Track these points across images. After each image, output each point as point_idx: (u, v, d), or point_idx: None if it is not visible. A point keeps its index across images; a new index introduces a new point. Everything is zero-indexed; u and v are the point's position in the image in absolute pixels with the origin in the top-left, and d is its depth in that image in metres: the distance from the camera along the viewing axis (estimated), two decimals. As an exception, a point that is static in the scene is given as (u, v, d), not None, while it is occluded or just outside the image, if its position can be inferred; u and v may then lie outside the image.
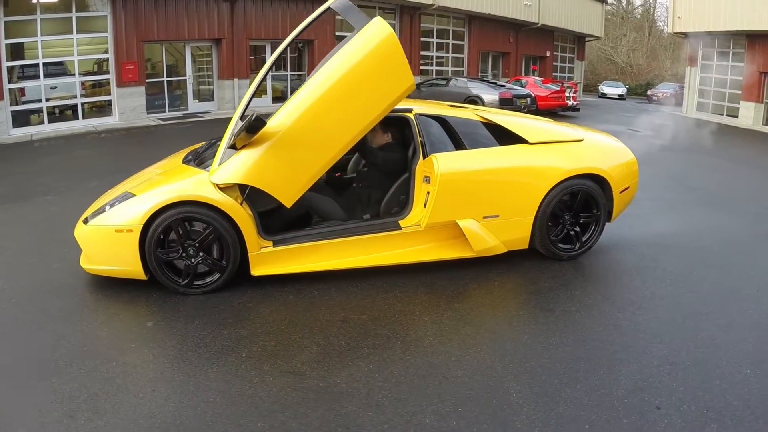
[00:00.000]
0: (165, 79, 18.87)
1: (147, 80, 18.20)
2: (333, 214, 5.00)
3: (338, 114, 4.33)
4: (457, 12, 23.87)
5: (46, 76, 16.58)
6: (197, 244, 4.50)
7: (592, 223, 5.36)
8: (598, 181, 5.23)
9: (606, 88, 35.86)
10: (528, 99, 16.20)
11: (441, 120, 5.10)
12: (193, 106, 19.32)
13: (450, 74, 24.09)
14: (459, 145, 5.00)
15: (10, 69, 16.09)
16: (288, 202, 4.45)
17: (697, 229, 6.60)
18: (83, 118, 17.14)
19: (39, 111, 16.65)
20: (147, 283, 4.59)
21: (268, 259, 4.65)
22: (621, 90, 35.47)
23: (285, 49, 4.97)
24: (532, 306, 4.55)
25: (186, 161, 5.18)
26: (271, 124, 4.35)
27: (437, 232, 4.91)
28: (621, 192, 5.37)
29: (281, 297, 4.54)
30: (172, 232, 4.49)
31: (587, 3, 31.43)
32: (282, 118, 4.37)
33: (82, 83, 17.46)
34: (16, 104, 16.51)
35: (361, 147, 4.97)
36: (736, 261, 5.55)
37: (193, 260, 4.52)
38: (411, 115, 5.00)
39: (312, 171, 4.43)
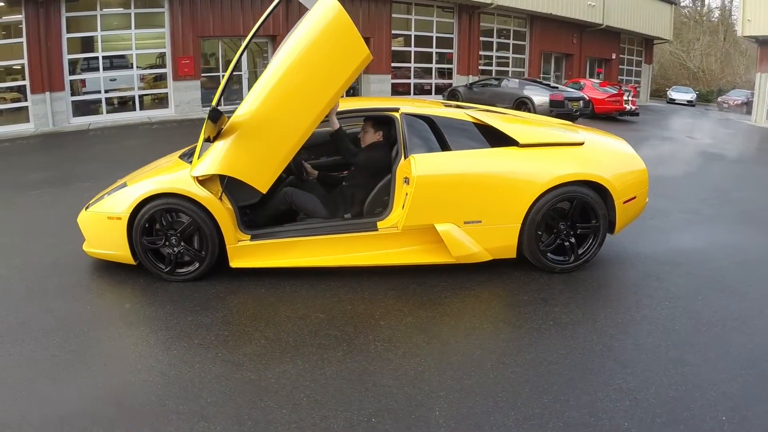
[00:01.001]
0: (221, 73, 19.22)
1: (203, 74, 18.58)
2: (315, 212, 4.98)
3: (299, 95, 4.33)
4: (518, 11, 23.40)
5: (105, 68, 17.15)
6: (178, 234, 4.68)
7: (590, 235, 4.89)
8: (598, 189, 4.79)
9: (674, 94, 34.36)
10: (581, 102, 15.59)
11: (428, 120, 4.89)
12: (249, 100, 19.57)
13: (510, 75, 23.70)
14: (445, 146, 4.77)
15: (74, 61, 16.71)
16: (262, 188, 4.46)
17: (720, 247, 5.80)
18: (141, 109, 17.73)
19: (98, 102, 17.24)
20: (139, 268, 4.83)
21: (246, 252, 4.72)
22: (690, 96, 33.89)
23: (247, 46, 4.92)
24: (499, 320, 4.22)
25: (182, 156, 5.30)
26: (239, 113, 4.39)
27: (415, 236, 4.69)
28: (625, 202, 4.89)
29: (254, 290, 4.60)
30: (165, 220, 4.70)
31: (655, 4, 30.06)
32: (248, 106, 4.38)
33: (141, 76, 18.00)
34: (78, 95, 17.15)
35: (344, 149, 5.05)
36: (753, 287, 4.77)
37: (175, 249, 4.71)
38: (397, 115, 4.86)
39: (281, 155, 4.42)
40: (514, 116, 5.49)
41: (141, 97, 17.88)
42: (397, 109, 4.90)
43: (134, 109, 17.64)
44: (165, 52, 17.81)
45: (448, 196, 4.62)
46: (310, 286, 4.61)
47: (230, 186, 4.68)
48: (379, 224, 4.67)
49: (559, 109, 15.09)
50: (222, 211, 4.60)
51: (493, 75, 22.38)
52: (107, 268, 4.96)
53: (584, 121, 16.65)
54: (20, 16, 15.42)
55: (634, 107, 17.91)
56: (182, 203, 4.60)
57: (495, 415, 2.97)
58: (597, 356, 3.61)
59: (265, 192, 4.56)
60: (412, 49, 22.29)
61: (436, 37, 22.44)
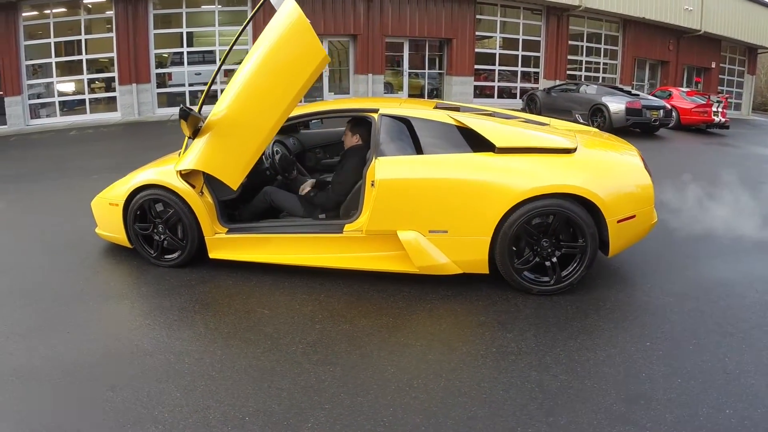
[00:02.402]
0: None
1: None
2: (293, 211, 5.03)
3: (264, 97, 4.39)
4: (609, 15, 22.39)
5: (190, 63, 17.94)
6: (163, 223, 4.97)
7: (576, 256, 4.36)
8: (587, 204, 4.27)
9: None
10: (661, 111, 14.60)
11: (406, 122, 4.63)
12: (328, 97, 19.91)
13: (601, 82, 22.81)
14: (420, 150, 4.55)
15: (161, 56, 17.63)
16: (233, 184, 4.52)
17: (753, 281, 4.78)
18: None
19: (182, 94, 18.05)
20: (135, 251, 5.24)
21: (223, 244, 4.89)
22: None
23: (230, 50, 4.99)
24: (437, 339, 3.78)
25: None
26: (215, 112, 4.53)
27: (380, 242, 4.49)
28: (621, 221, 4.30)
29: (223, 281, 4.74)
30: (153, 209, 5.04)
31: (759, 9, 27.44)
32: (221, 106, 4.50)
33: (225, 71, 18.65)
34: (165, 87, 18.05)
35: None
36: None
37: (161, 236, 5.01)
38: (375, 116, 4.68)
39: (248, 154, 4.48)
40: (504, 119, 5.08)
41: (222, 91, 18.51)
42: (376, 110, 4.72)
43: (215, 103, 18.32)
44: (247, 49, 18.37)
45: (412, 202, 4.37)
46: (274, 283, 4.64)
47: (213, 181, 4.83)
48: (346, 227, 4.56)
49: (636, 118, 14.29)
50: (199, 204, 4.81)
51: (582, 80, 21.59)
52: (112, 249, 5.48)
53: (667, 133, 15.79)
54: (111, 12, 16.40)
55: (723, 119, 16.62)
56: (166, 194, 4.89)
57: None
58: (523, 395, 3.12)
59: (235, 189, 4.61)
60: (497, 51, 21.86)
61: (523, 39, 21.90)
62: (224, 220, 4.91)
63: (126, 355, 3.55)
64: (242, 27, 4.79)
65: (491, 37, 21.78)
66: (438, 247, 4.38)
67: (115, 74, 17.02)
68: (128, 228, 5.07)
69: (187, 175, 4.83)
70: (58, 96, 17.20)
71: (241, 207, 5.26)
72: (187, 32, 17.46)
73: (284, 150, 5.52)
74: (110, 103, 17.52)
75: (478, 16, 20.70)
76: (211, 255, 4.90)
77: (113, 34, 16.56)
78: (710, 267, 5.11)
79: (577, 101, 15.82)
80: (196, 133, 4.56)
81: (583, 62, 23.52)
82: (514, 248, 4.32)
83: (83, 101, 17.39)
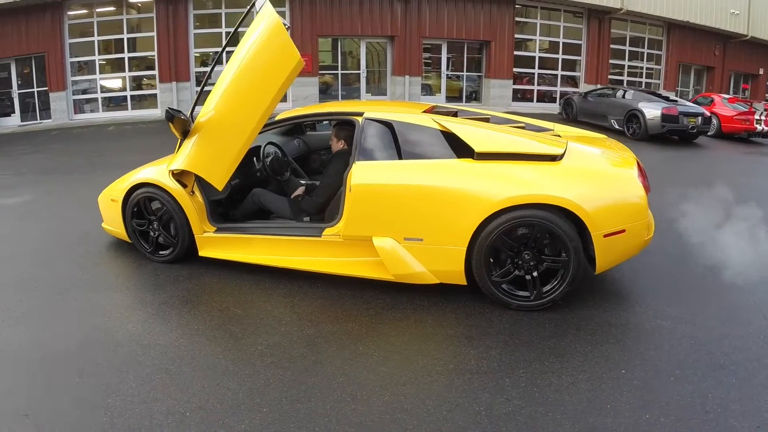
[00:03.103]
0: (339, 72, 19.79)
1: (321, 72, 19.25)
2: (280, 213, 5.12)
3: (244, 100, 4.52)
4: (652, 18, 21.86)
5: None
6: (158, 220, 5.19)
7: (559, 271, 4.14)
8: (572, 216, 4.04)
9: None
10: (699, 118, 14.18)
11: (389, 126, 4.53)
12: (366, 98, 19.99)
13: (644, 86, 22.34)
14: (401, 154, 4.49)
15: (203, 54, 18.05)
16: (218, 185, 4.68)
17: (760, 307, 4.33)
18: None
19: (221, 93, 18.46)
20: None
21: (211, 243, 5.05)
22: None
23: (223, 51, 5.26)
24: (397, 351, 3.68)
25: None
26: (202, 113, 4.69)
27: (358, 247, 4.46)
28: (608, 236, 4.02)
29: (208, 279, 4.90)
30: (149, 207, 5.26)
31: None
32: (208, 107, 4.65)
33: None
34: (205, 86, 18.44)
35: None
36: (762, 370, 3.45)
37: (155, 233, 5.25)
38: (360, 119, 4.64)
39: (231, 155, 4.62)
40: (490, 123, 4.86)
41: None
42: (361, 114, 4.67)
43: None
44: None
45: (387, 208, 4.30)
46: (255, 283, 4.75)
47: (204, 181, 4.93)
48: (325, 231, 4.58)
49: (672, 125, 13.90)
50: (189, 203, 4.97)
51: (624, 85, 21.17)
52: (115, 243, 5.76)
53: (706, 140, 15.35)
54: (152, 14, 16.87)
55: (767, 128, 16.13)
56: (159, 193, 5.09)
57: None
58: (466, 418, 2.97)
59: (220, 189, 4.74)
60: (537, 54, 21.63)
61: (563, 42, 21.59)
62: (214, 219, 5.05)
63: (100, 345, 3.76)
64: (233, 29, 5.00)
65: (531, 39, 21.56)
66: (414, 255, 4.29)
67: (156, 72, 17.48)
68: (127, 223, 5.32)
69: (180, 175, 4.95)
70: (101, 92, 17.79)
71: (233, 208, 5.38)
72: (226, 32, 17.78)
73: (278, 152, 5.60)
74: (151, 100, 18.03)
75: (517, 19, 20.50)
76: (201, 253, 5.06)
77: (154, 34, 17.01)
78: (719, 290, 4.65)
79: (612, 106, 15.53)
80: (186, 134, 4.71)
81: (626, 67, 23.06)
82: (491, 260, 4.16)
83: (125, 98, 17.94)
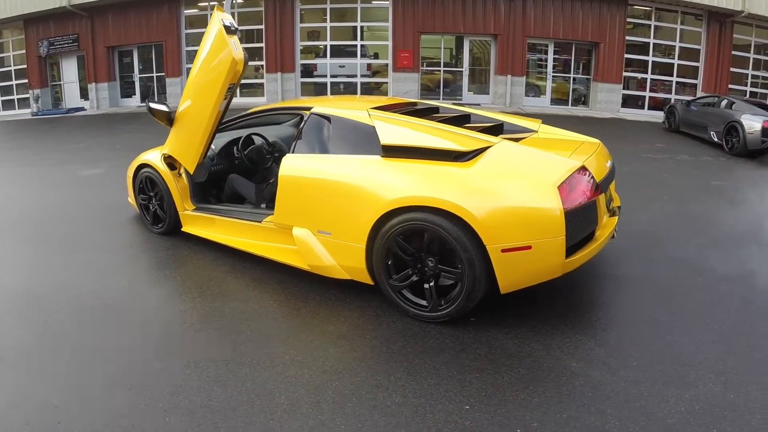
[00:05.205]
0: (442, 69, 19.96)
1: (423, 68, 19.51)
2: (248, 197, 5.49)
3: (200, 92, 4.97)
4: (780, 23, 20.39)
5: (333, 56, 19.01)
6: (155, 197, 5.84)
7: (457, 283, 3.73)
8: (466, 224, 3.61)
9: None
10: (805, 132, 12.98)
11: (328, 120, 4.59)
12: (467, 97, 20.03)
13: (748, 95, 20.79)
14: (330, 149, 4.53)
15: (306, 48, 18.83)
16: (189, 168, 5.27)
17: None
18: (361, 94, 19.20)
19: (324, 85, 19.18)
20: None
21: (189, 220, 5.61)
22: None
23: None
24: (246, 346, 3.57)
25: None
26: (180, 102, 5.22)
27: (287, 235, 4.57)
28: (508, 251, 3.54)
29: (184, 252, 5.38)
30: (149, 185, 5.89)
31: None
32: (183, 99, 5.18)
33: (368, 65, 19.54)
34: (310, 77, 19.29)
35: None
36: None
37: (154, 208, 5.90)
38: (306, 113, 4.76)
39: (195, 142, 5.13)
40: (419, 119, 4.51)
41: (362, 84, 19.42)
42: (309, 108, 4.77)
43: (355, 94, 19.23)
44: (387, 45, 19.08)
45: (304, 200, 4.38)
46: (220, 260, 5.10)
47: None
48: (266, 218, 4.78)
49: (774, 139, 12.81)
50: (173, 183, 5.55)
51: (747, 96, 19.83)
52: (133, 215, 6.51)
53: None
54: (260, 8, 17.84)
55: None
56: (154, 173, 5.74)
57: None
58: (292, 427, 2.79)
59: (192, 172, 5.29)
60: (650, 58, 20.67)
61: (680, 47, 20.52)
62: (197, 200, 5.60)
63: (62, 294, 4.38)
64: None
65: (644, 42, 20.66)
66: (326, 248, 4.29)
67: (263, 63, 18.45)
68: (135, 198, 6.09)
69: (171, 158, 5.55)
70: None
71: (221, 191, 5.85)
72: (331, 26, 18.47)
73: (264, 142, 5.96)
74: (258, 89, 19.06)
75: (629, 20, 19.72)
76: (183, 228, 5.64)
77: (263, 26, 17.97)
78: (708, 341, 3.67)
79: (713, 117, 14.37)
80: (171, 122, 5.29)
81: (749, 76, 21.55)
82: (389, 262, 3.95)
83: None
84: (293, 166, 4.46)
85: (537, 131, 4.97)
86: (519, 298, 4.08)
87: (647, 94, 20.83)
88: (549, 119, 5.99)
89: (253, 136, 5.99)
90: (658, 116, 19.08)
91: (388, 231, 3.85)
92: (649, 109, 20.67)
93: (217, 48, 4.75)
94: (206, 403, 2.94)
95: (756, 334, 3.76)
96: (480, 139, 4.05)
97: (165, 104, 5.27)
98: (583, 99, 20.83)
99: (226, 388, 3.09)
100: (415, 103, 5.56)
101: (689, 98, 17.49)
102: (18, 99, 22.20)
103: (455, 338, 3.66)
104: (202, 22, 18.53)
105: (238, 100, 18.68)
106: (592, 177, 3.82)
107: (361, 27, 18.91)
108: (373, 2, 18.86)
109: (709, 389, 3.11)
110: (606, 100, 19.80)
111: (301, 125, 4.69)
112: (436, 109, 5.48)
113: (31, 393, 3.08)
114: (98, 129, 15.15)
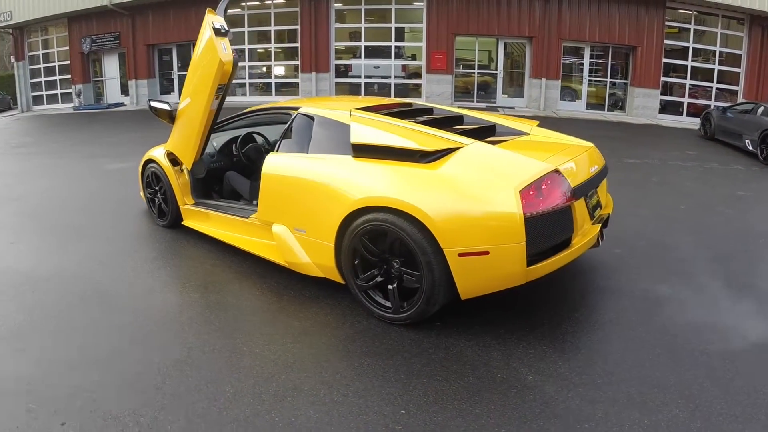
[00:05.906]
0: (476, 71, 19.91)
1: (458, 70, 19.49)
2: (243, 194, 5.63)
3: (194, 93, 5.18)
4: (829, 29, 19.77)
5: (368, 57, 19.14)
6: (159, 191, 6.09)
7: (417, 287, 3.68)
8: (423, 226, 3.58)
9: None
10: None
11: (313, 120, 4.64)
12: (501, 100, 19.94)
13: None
14: (311, 148, 4.54)
15: (341, 48, 18.99)
16: (187, 163, 5.51)
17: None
18: (395, 95, 19.28)
19: (358, 85, 19.34)
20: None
21: (189, 214, 5.84)
22: None
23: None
24: (208, 339, 3.66)
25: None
26: (180, 100, 5.43)
27: (269, 231, 4.65)
28: (463, 255, 3.47)
29: (180, 245, 5.58)
30: (154, 179, 6.16)
31: None
32: (182, 97, 5.39)
33: (403, 66, 19.60)
34: (344, 77, 19.46)
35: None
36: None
37: (158, 201, 6.15)
38: (294, 113, 4.84)
39: (192, 139, 5.34)
40: (397, 120, 4.46)
41: (396, 85, 19.50)
42: (297, 108, 4.85)
43: (389, 95, 19.32)
44: (421, 46, 19.12)
45: (281, 197, 4.48)
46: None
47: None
48: (253, 215, 4.86)
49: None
50: (174, 179, 5.79)
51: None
52: (143, 208, 6.78)
53: None
54: (296, 8, 18.07)
55: None
56: (158, 168, 5.99)
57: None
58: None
59: (189, 167, 5.55)
60: (689, 63, 20.27)
61: (720, 52, 20.07)
62: (197, 195, 5.80)
63: (58, 277, 4.72)
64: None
65: (683, 47, 20.27)
66: (302, 245, 4.35)
67: (299, 62, 18.67)
68: (144, 192, 6.38)
69: (173, 154, 5.75)
70: (249, 78, 19.36)
71: (221, 187, 6.01)
72: (366, 27, 18.60)
73: (264, 141, 6.15)
74: (293, 88, 19.32)
75: (667, 23, 19.36)
76: (184, 222, 5.85)
77: (298, 27, 18.19)
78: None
79: (748, 124, 13.79)
80: (174, 120, 5.52)
81: (793, 82, 20.99)
82: (356, 261, 3.97)
83: (269, 84, 19.38)
84: (275, 164, 4.55)
85: (528, 133, 4.87)
86: (494, 305, 4.05)
87: (686, 100, 20.30)
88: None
89: (254, 135, 6.16)
90: (696, 123, 18.60)
91: (353, 230, 3.88)
92: (687, 115, 20.10)
93: (207, 50, 4.93)
94: (160, 386, 3.13)
95: (742, 359, 3.46)
96: (448, 140, 3.97)
97: (167, 102, 5.52)
98: (620, 104, 20.45)
99: (182, 372, 3.27)
100: (409, 104, 5.60)
101: (726, 105, 17.01)
102: (61, 93, 23.06)
103: (414, 342, 3.63)
104: (239, 21, 18.85)
105: (271, 98, 18.94)
106: (566, 181, 3.72)
107: (396, 28, 18.96)
108: (407, 4, 18.91)
109: (674, 415, 2.88)
110: (643, 105, 19.40)
111: (288, 124, 4.80)
112: (429, 110, 5.50)
113: (6, 365, 3.37)
114: (134, 124, 15.70)
